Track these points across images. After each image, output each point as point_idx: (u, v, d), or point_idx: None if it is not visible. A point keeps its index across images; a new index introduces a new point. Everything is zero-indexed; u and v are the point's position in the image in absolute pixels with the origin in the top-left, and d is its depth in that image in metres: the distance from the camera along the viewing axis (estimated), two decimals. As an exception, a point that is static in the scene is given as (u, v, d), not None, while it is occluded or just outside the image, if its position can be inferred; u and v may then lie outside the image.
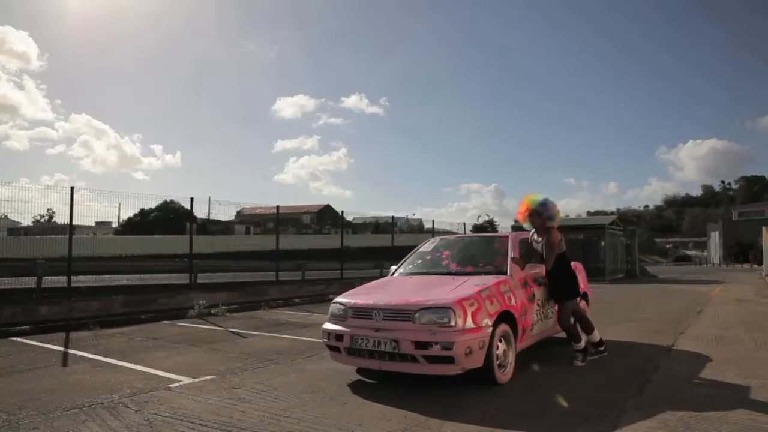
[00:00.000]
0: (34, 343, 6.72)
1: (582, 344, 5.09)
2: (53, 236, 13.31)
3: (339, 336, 4.34)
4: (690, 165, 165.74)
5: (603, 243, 21.65)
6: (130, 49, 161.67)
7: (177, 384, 4.46)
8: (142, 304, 9.86)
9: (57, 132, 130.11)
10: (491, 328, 4.11)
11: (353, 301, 4.48)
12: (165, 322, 8.81)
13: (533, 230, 5.33)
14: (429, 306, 4.03)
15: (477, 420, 3.42)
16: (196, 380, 4.58)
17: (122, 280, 12.19)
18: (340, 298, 4.66)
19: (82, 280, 10.51)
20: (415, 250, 5.93)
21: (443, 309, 3.97)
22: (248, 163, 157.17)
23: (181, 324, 8.52)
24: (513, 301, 4.54)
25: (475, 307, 4.05)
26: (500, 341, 4.25)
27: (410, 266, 5.57)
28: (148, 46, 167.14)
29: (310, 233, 47.84)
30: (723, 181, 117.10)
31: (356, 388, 4.28)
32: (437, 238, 6.17)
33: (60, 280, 9.78)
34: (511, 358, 4.40)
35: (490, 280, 4.57)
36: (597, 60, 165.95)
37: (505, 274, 4.81)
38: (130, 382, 4.55)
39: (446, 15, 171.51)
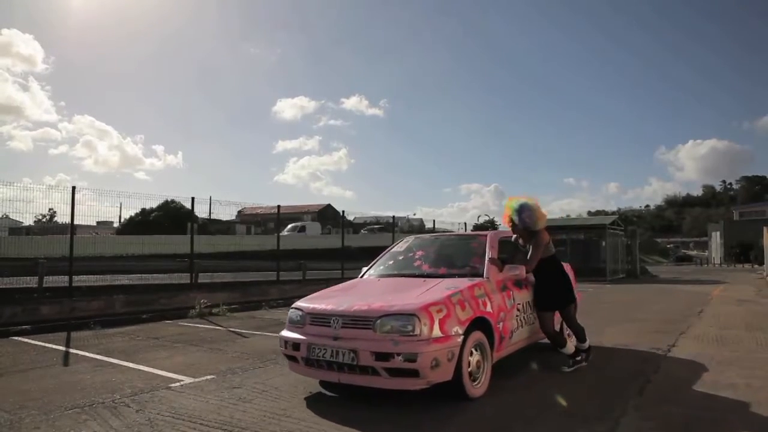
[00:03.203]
0: (36, 342, 6.73)
1: (586, 344, 4.92)
2: (55, 236, 13.32)
3: (296, 345, 3.99)
4: (690, 165, 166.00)
5: (604, 243, 21.65)
6: (133, 52, 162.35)
7: (178, 384, 4.47)
8: (143, 304, 9.88)
9: (60, 133, 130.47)
10: (462, 337, 3.72)
11: (311, 306, 4.12)
12: (166, 321, 8.82)
13: (515, 236, 5.02)
14: (391, 313, 3.64)
15: (477, 420, 3.43)
16: (197, 380, 4.59)
17: (123, 279, 12.21)
18: (299, 303, 4.32)
19: (83, 280, 10.54)
20: (388, 249, 5.55)
21: (407, 316, 3.58)
22: (249, 163, 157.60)
23: (182, 324, 8.53)
24: (488, 307, 4.15)
25: (443, 314, 3.66)
26: (473, 351, 3.88)
27: (381, 267, 5.17)
28: (150, 48, 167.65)
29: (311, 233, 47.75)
30: (724, 181, 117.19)
31: (357, 388, 4.28)
32: (411, 237, 5.75)
33: (61, 280, 9.80)
34: (487, 369, 4.02)
35: (463, 283, 4.19)
36: (597, 60, 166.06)
37: (482, 276, 4.43)
38: (131, 381, 4.56)
39: (446, 16, 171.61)
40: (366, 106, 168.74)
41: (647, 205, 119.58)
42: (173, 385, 4.43)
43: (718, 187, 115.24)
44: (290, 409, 3.70)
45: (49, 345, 6.49)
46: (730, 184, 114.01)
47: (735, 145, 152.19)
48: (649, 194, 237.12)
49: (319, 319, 3.96)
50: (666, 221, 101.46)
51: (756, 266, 35.93)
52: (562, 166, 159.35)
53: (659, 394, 3.98)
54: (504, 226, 5.22)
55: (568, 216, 66.22)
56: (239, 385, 4.40)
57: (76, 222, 9.69)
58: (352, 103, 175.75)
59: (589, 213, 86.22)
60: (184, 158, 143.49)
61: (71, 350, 6.16)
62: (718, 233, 57.82)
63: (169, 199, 30.22)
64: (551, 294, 4.85)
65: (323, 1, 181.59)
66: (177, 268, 13.03)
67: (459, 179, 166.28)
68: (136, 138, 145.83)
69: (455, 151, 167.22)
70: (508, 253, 4.94)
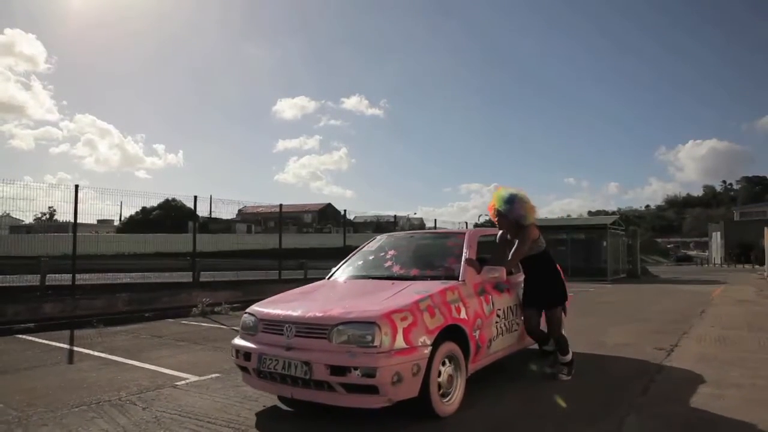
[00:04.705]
0: (39, 340, 6.75)
1: (569, 356, 4.47)
2: (56, 234, 13.32)
3: (247, 354, 3.58)
4: (690, 165, 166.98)
5: (605, 243, 21.66)
6: (134, 52, 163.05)
7: (183, 382, 4.49)
8: (145, 302, 9.90)
9: (61, 132, 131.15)
10: (430, 348, 3.30)
11: (265, 311, 3.72)
12: (168, 320, 8.84)
13: (501, 231, 4.62)
14: (349, 320, 3.24)
15: (479, 421, 3.44)
16: (202, 378, 4.60)
17: (125, 278, 12.21)
18: (254, 306, 3.93)
19: (85, 278, 10.55)
20: (359, 248, 5.14)
21: (365, 324, 3.17)
22: (249, 162, 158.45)
23: (184, 322, 8.55)
24: (463, 313, 3.71)
25: (408, 322, 3.25)
26: (444, 363, 3.47)
27: (349, 268, 4.75)
28: (151, 48, 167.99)
29: (312, 232, 47.82)
30: (724, 182, 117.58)
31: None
32: (384, 235, 5.34)
33: (64, 278, 9.82)
34: (460, 383, 3.62)
35: (435, 286, 3.76)
36: (597, 60, 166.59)
37: (457, 278, 4.00)
38: (136, 379, 4.58)
39: (446, 16, 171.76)
40: (366, 106, 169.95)
41: (647, 205, 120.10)
42: (179, 383, 4.45)
43: (719, 188, 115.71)
44: (298, 407, 3.72)
45: (53, 343, 6.51)
46: (731, 184, 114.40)
47: (735, 146, 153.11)
48: (649, 194, 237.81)
49: (272, 326, 3.56)
50: (666, 221, 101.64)
51: (756, 266, 35.95)
52: (562, 166, 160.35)
53: (663, 394, 3.99)
54: (493, 219, 4.67)
55: (568, 216, 66.32)
56: (244, 383, 4.41)
57: (77, 220, 9.70)
58: (352, 103, 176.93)
59: (590, 213, 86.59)
60: (185, 157, 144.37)
61: (75, 348, 6.18)
62: (718, 233, 57.84)
63: (169, 198, 30.33)
64: (540, 290, 4.48)
65: (323, 1, 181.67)
66: (178, 267, 13.04)
67: (459, 179, 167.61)
68: (137, 137, 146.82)
69: (455, 151, 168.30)
70: (490, 253, 4.55)
